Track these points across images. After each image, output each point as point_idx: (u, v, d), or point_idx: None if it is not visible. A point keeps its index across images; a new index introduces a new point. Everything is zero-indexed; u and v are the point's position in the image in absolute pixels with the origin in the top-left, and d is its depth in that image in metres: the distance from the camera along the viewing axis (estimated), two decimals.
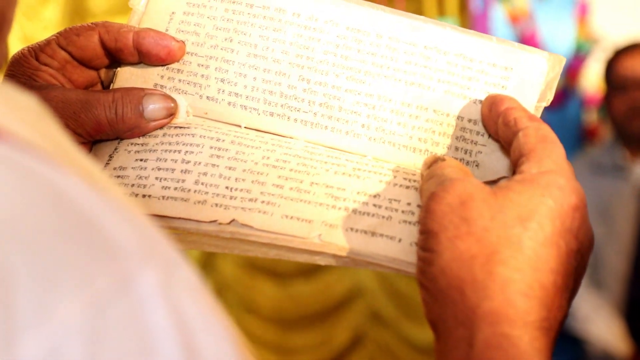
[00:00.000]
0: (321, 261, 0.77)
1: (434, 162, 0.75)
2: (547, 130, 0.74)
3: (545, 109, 2.90)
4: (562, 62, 0.83)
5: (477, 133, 0.80)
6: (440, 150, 0.80)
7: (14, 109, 0.48)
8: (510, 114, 0.76)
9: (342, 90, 0.83)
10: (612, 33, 4.30)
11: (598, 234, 2.97)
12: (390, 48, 0.83)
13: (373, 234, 0.74)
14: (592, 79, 4.12)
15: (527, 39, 3.71)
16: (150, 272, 0.42)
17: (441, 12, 3.39)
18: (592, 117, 4.25)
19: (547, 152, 0.72)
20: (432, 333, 0.71)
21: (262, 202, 0.76)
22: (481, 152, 0.79)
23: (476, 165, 0.79)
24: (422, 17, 0.84)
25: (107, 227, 0.43)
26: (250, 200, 0.76)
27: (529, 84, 0.80)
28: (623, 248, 3.11)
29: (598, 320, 3.24)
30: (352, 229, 0.74)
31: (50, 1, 4.69)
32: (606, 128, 3.84)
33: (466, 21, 3.71)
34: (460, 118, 0.81)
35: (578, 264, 0.71)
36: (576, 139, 4.20)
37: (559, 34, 4.07)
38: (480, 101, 0.81)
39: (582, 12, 4.17)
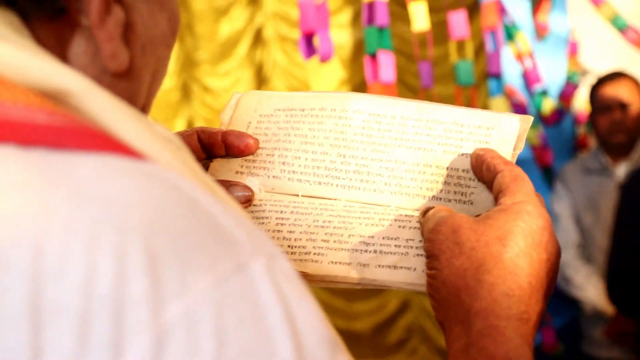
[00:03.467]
0: (359, 287, 0.81)
1: (427, 210, 0.78)
2: (518, 171, 0.77)
3: (546, 125, 3.27)
4: (530, 120, 0.85)
5: (470, 179, 0.81)
6: (444, 195, 0.82)
7: (161, 140, 0.53)
8: (491, 161, 0.78)
9: (368, 159, 0.84)
10: (595, 66, 4.44)
11: (588, 221, 3.28)
12: (402, 124, 0.85)
13: (395, 267, 0.77)
14: (581, 102, 4.25)
15: (530, 72, 3.75)
16: (258, 260, 0.46)
17: (462, 55, 3.32)
18: (582, 130, 4.34)
19: (519, 187, 0.75)
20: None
21: (314, 254, 0.80)
22: (473, 193, 0.81)
23: (471, 203, 0.81)
24: (423, 101, 0.87)
25: (227, 226, 0.47)
26: (306, 253, 0.79)
27: (506, 138, 0.82)
28: (607, 231, 3.17)
29: (589, 286, 3.39)
30: (379, 266, 0.78)
31: None
32: (592, 139, 3.90)
33: (482, 60, 3.70)
34: (456, 169, 0.82)
35: (548, 269, 0.73)
36: (570, 148, 4.32)
37: (554, 67, 4.15)
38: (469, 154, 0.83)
39: (573, 50, 4.28)
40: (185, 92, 5.00)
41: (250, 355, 0.42)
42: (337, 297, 4.59)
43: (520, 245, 0.70)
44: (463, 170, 0.82)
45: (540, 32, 3.89)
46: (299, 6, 2.21)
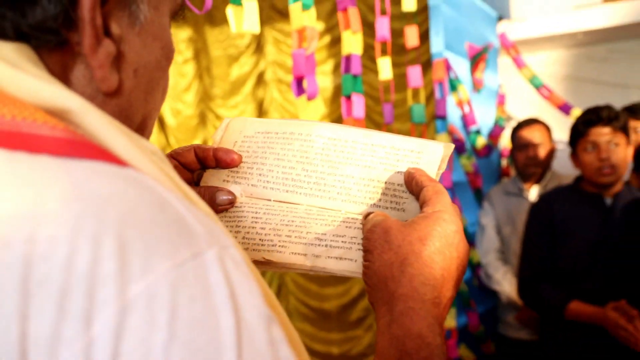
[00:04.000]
0: (312, 273, 0.81)
1: (368, 215, 0.77)
2: (439, 187, 0.76)
3: (478, 156, 3.24)
4: (451, 147, 0.84)
5: (403, 192, 0.80)
6: (382, 204, 0.81)
7: (145, 152, 0.51)
8: (419, 178, 0.78)
9: (325, 174, 0.84)
10: (517, 113, 4.55)
11: (507, 231, 3.31)
12: (352, 147, 0.84)
13: (341, 258, 0.77)
14: (505, 140, 4.29)
15: (467, 116, 3.72)
16: (212, 250, 0.45)
17: (416, 100, 3.23)
18: (505, 162, 4.38)
19: (439, 200, 0.74)
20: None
21: (279, 246, 0.79)
22: (405, 203, 0.80)
23: (403, 211, 0.79)
24: (369, 129, 0.86)
25: (190, 221, 0.45)
26: (273, 245, 0.79)
27: (432, 160, 0.81)
28: (520, 240, 3.14)
29: (505, 282, 3.41)
30: (329, 257, 0.77)
31: (190, 89, 4.89)
32: (512, 169, 3.90)
33: (432, 104, 3.61)
34: (393, 184, 0.81)
35: (458, 265, 0.72)
36: (496, 175, 4.31)
37: (486, 113, 4.14)
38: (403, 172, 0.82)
39: (501, 101, 4.36)
40: (202, 119, 4.97)
41: (198, 326, 0.42)
42: (311, 282, 4.55)
43: (436, 245, 0.70)
44: (398, 185, 0.81)
45: (477, 86, 3.90)
46: (292, 56, 2.22)
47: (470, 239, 3.68)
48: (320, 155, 0.86)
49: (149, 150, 0.54)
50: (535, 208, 3.03)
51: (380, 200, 0.82)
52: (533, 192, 3.58)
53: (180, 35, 4.96)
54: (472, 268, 3.72)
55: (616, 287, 2.69)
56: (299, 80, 2.26)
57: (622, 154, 2.80)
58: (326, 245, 0.79)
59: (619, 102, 3.41)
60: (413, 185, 0.79)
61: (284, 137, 0.88)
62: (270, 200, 0.85)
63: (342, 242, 0.79)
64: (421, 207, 0.76)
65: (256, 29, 2.01)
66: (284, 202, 0.85)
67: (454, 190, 3.47)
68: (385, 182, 0.82)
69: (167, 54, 0.63)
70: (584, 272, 2.79)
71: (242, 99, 4.91)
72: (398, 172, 0.83)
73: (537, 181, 3.63)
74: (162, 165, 0.54)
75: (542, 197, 3.07)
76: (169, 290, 0.41)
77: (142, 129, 0.64)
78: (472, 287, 3.68)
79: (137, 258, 0.41)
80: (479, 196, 3.90)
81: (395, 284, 0.68)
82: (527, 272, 2.94)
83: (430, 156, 0.83)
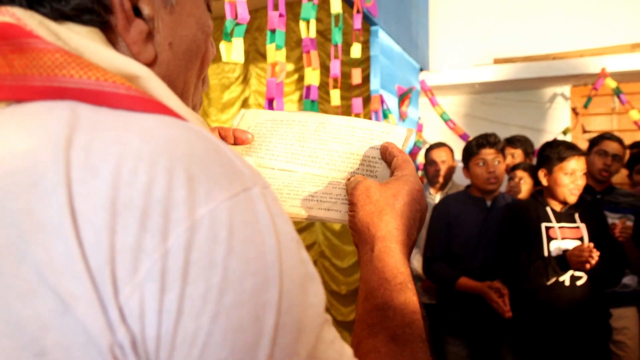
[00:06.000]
0: (307, 221, 0.80)
1: (350, 178, 0.76)
2: (407, 156, 0.74)
3: None
4: (412, 131, 0.82)
5: (376, 162, 0.78)
6: (360, 171, 0.78)
7: (193, 113, 0.49)
8: (392, 150, 0.76)
9: (317, 149, 0.81)
10: (430, 138, 4.67)
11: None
12: (337, 129, 0.82)
13: (329, 209, 0.75)
14: (420, 157, 4.26)
15: None
16: (257, 187, 0.42)
17: None
18: (420, 174, 4.25)
19: (406, 166, 0.73)
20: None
21: (281, 200, 0.76)
22: (377, 170, 0.77)
23: (375, 177, 0.77)
24: (351, 117, 0.84)
25: (237, 163, 0.43)
26: None
27: (397, 140, 0.79)
28: (426, 230, 3.05)
29: (414, 261, 3.39)
30: (320, 209, 0.75)
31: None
32: (425, 179, 3.86)
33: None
34: (368, 156, 0.79)
35: (420, 217, 0.71)
36: None
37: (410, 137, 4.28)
38: (378, 147, 0.79)
39: (419, 128, 4.37)
40: None
41: (250, 243, 0.40)
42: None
43: (405, 199, 0.68)
44: (372, 157, 0.79)
45: (402, 116, 3.91)
46: (267, 83, 2.25)
47: None
48: (313, 135, 0.83)
49: (194, 114, 0.51)
50: (437, 208, 3.04)
51: (358, 168, 0.79)
52: (438, 197, 3.57)
53: None
54: None
55: (492, 267, 2.73)
56: (270, 102, 2.25)
57: (502, 169, 2.89)
58: (317, 200, 0.77)
59: (502, 135, 3.43)
60: (387, 154, 0.77)
61: (287, 122, 0.86)
62: (274, 169, 0.83)
63: (330, 198, 0.77)
64: (392, 171, 0.74)
65: (241, 59, 2.03)
66: (285, 170, 0.82)
67: None
68: (362, 155, 0.80)
69: (203, 27, 0.58)
70: (470, 255, 2.83)
71: (230, 117, 4.92)
72: (372, 147, 0.80)
73: (442, 189, 3.63)
74: (204, 125, 0.52)
75: (442, 200, 3.10)
76: (227, 215, 0.39)
77: (184, 93, 0.59)
78: None
79: (201, 188, 0.39)
80: None
81: (375, 228, 0.66)
82: (430, 254, 2.94)
83: (396, 136, 0.81)
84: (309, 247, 4.25)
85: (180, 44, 0.55)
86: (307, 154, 0.82)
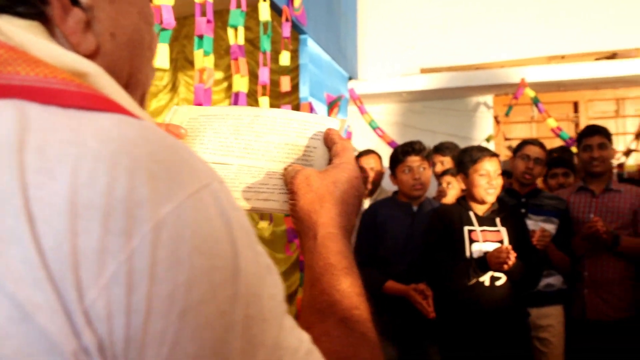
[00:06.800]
0: (248, 212, 0.77)
1: (288, 167, 0.75)
2: (347, 144, 0.75)
3: None
4: (345, 122, 0.82)
5: (311, 152, 0.78)
6: (296, 161, 0.78)
7: (143, 114, 0.48)
8: (332, 137, 0.76)
9: (252, 141, 0.81)
10: (359, 146, 4.67)
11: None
12: (273, 121, 0.82)
13: (267, 200, 0.76)
14: None
15: None
16: (215, 182, 0.42)
17: None
18: None
19: (345, 154, 0.73)
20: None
21: None
22: (313, 159, 0.77)
23: (311, 165, 0.77)
24: (286, 109, 0.84)
25: (195, 161, 0.43)
26: None
27: (334, 126, 0.80)
28: (355, 235, 3.04)
29: None
30: (258, 199, 0.76)
31: None
32: None
33: None
34: (304, 146, 0.79)
35: (357, 203, 0.71)
36: None
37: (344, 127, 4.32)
38: (313, 137, 0.79)
39: (348, 136, 4.37)
40: None
41: (212, 239, 0.40)
42: None
43: (345, 186, 0.69)
44: (307, 147, 0.79)
45: None
46: (194, 89, 2.23)
47: None
48: (248, 128, 0.83)
49: (143, 112, 0.50)
50: (365, 213, 3.06)
51: (294, 158, 0.79)
52: (367, 203, 3.59)
53: None
54: None
55: (419, 270, 2.79)
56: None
57: (428, 175, 2.95)
58: (255, 191, 0.77)
59: (429, 142, 3.53)
60: (328, 141, 0.77)
61: (221, 117, 0.85)
62: (209, 162, 0.80)
63: (267, 188, 0.77)
64: (332, 158, 0.74)
65: (166, 65, 2.00)
66: (221, 163, 0.81)
67: None
68: (298, 145, 0.80)
69: (146, 17, 0.57)
70: (397, 259, 2.88)
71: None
72: (307, 137, 0.80)
73: (370, 195, 3.66)
74: (153, 123, 0.51)
75: (370, 206, 3.14)
76: (191, 212, 0.39)
77: (129, 85, 0.57)
78: None
79: (164, 186, 0.39)
80: None
81: (317, 215, 0.67)
82: (358, 258, 2.81)
83: (328, 124, 0.82)
84: None
85: (123, 34, 0.54)
86: (243, 146, 0.82)
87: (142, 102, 0.60)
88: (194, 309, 0.38)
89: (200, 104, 2.24)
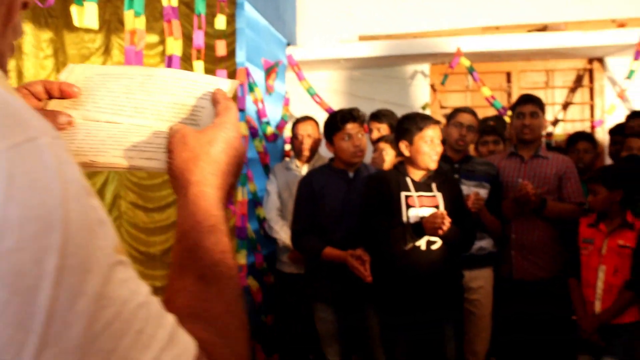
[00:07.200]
0: (130, 170, 0.78)
1: (172, 127, 0.74)
2: (230, 104, 0.75)
3: (267, 141, 3.25)
4: (236, 83, 0.84)
5: (199, 111, 0.79)
6: (184, 120, 0.79)
7: None
8: (216, 96, 0.77)
9: (143, 100, 0.81)
10: (297, 112, 4.69)
11: (285, 196, 3.31)
12: (164, 81, 0.82)
13: (150, 159, 0.75)
14: (288, 131, 4.30)
15: (260, 111, 3.74)
16: (45, 137, 0.42)
17: None
18: (287, 147, 4.43)
19: (228, 113, 0.74)
20: None
21: (104, 151, 0.77)
22: (200, 119, 0.78)
23: (198, 125, 0.77)
24: (177, 69, 0.82)
25: (25, 115, 0.42)
26: (99, 151, 0.77)
27: (225, 87, 0.80)
28: (294, 202, 3.08)
29: (282, 232, 3.45)
30: (141, 158, 0.76)
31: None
32: (292, 152, 3.88)
33: (235, 99, 3.37)
34: (192, 106, 0.79)
35: (237, 162, 0.72)
36: (281, 155, 4.36)
37: (276, 110, 4.19)
38: (202, 97, 0.80)
39: (286, 102, 4.42)
40: None
41: (30, 189, 0.39)
42: (141, 232, 4.42)
43: (222, 146, 0.70)
44: (195, 106, 0.80)
45: (269, 90, 3.94)
46: (124, 51, 2.14)
47: (260, 200, 3.69)
48: (140, 87, 0.83)
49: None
50: (301, 182, 3.06)
51: (182, 118, 0.79)
52: (305, 169, 3.62)
53: (43, 36, 4.60)
54: (259, 221, 3.73)
55: (356, 235, 2.81)
56: None
57: (365, 142, 2.97)
58: (140, 150, 0.76)
59: (367, 110, 3.56)
60: (214, 100, 0.77)
61: (115, 76, 0.85)
62: (100, 121, 0.81)
63: (152, 147, 0.76)
64: (215, 117, 0.75)
65: (95, 26, 1.92)
66: (111, 122, 0.81)
67: (247, 164, 3.47)
68: (187, 105, 0.80)
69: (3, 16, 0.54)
70: (335, 225, 2.90)
71: None
72: (197, 97, 0.80)
73: (308, 161, 3.68)
74: (3, 80, 0.49)
75: (308, 173, 3.14)
76: (7, 163, 0.38)
77: None
78: (259, 235, 3.71)
79: None
80: (267, 170, 3.91)
81: (189, 173, 0.67)
82: (297, 226, 2.98)
83: (222, 85, 0.82)
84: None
85: None
86: (133, 105, 0.82)
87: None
88: (6, 257, 0.38)
89: None
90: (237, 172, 0.73)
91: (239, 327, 0.59)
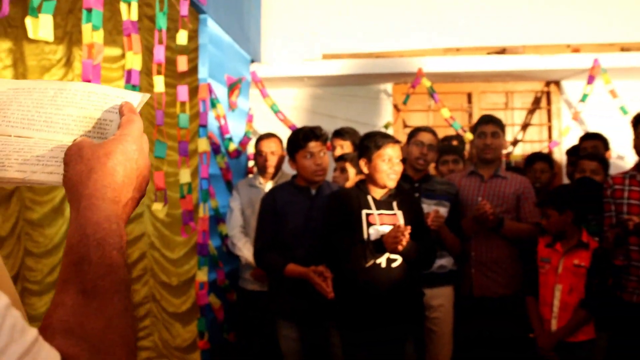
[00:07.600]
0: (30, 184, 0.77)
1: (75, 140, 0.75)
2: (134, 117, 0.75)
3: (230, 157, 3.20)
4: (147, 96, 0.84)
5: (107, 125, 0.78)
6: (91, 134, 0.78)
7: None
8: (122, 109, 0.77)
9: (52, 114, 0.80)
10: (260, 129, 4.68)
11: (248, 213, 3.27)
12: (74, 94, 0.81)
13: (52, 173, 0.74)
14: (251, 148, 4.27)
15: (223, 127, 3.66)
16: None
17: (183, 110, 3.03)
18: (251, 163, 4.36)
19: (129, 125, 0.73)
20: None
21: (9, 166, 0.75)
22: (107, 132, 0.77)
23: (105, 137, 0.77)
24: (91, 83, 0.84)
25: None
26: (4, 166, 0.75)
27: (135, 101, 0.81)
28: (257, 220, 3.07)
29: (245, 249, 3.42)
30: (43, 172, 0.75)
31: None
32: (255, 168, 3.90)
33: (197, 116, 3.45)
34: (100, 119, 0.79)
35: (137, 175, 0.72)
36: (244, 172, 4.28)
37: (239, 127, 4.13)
38: (110, 110, 0.80)
39: (249, 119, 4.36)
40: None
41: None
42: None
43: (119, 158, 0.69)
44: (103, 120, 0.79)
45: (232, 106, 3.91)
46: (82, 64, 2.09)
47: (222, 217, 3.65)
48: (51, 101, 0.81)
49: None
50: (264, 199, 3.06)
51: (90, 131, 0.79)
52: (268, 186, 3.59)
53: (2, 46, 4.46)
54: (222, 238, 3.69)
55: (318, 253, 2.82)
56: (86, 82, 2.10)
57: (327, 160, 2.99)
58: (43, 164, 0.75)
59: (330, 128, 3.58)
60: (121, 112, 0.77)
61: (28, 90, 0.83)
62: (10, 135, 0.79)
63: (55, 161, 0.75)
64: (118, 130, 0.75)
65: (50, 38, 1.88)
66: (21, 136, 0.79)
67: (210, 180, 3.43)
68: (95, 118, 0.80)
69: None
70: (297, 242, 2.90)
71: None
72: (105, 110, 0.80)
73: (272, 178, 3.66)
74: None
75: (271, 190, 3.13)
76: None
77: None
78: (221, 252, 3.66)
79: None
80: (230, 186, 3.87)
81: (82, 187, 0.66)
82: (260, 242, 2.96)
83: (132, 99, 0.82)
84: (138, 239, 4.03)
85: None
86: (43, 120, 0.80)
87: None
88: None
89: (88, 81, 2.10)
90: (140, 186, 0.72)
91: (118, 344, 0.57)
